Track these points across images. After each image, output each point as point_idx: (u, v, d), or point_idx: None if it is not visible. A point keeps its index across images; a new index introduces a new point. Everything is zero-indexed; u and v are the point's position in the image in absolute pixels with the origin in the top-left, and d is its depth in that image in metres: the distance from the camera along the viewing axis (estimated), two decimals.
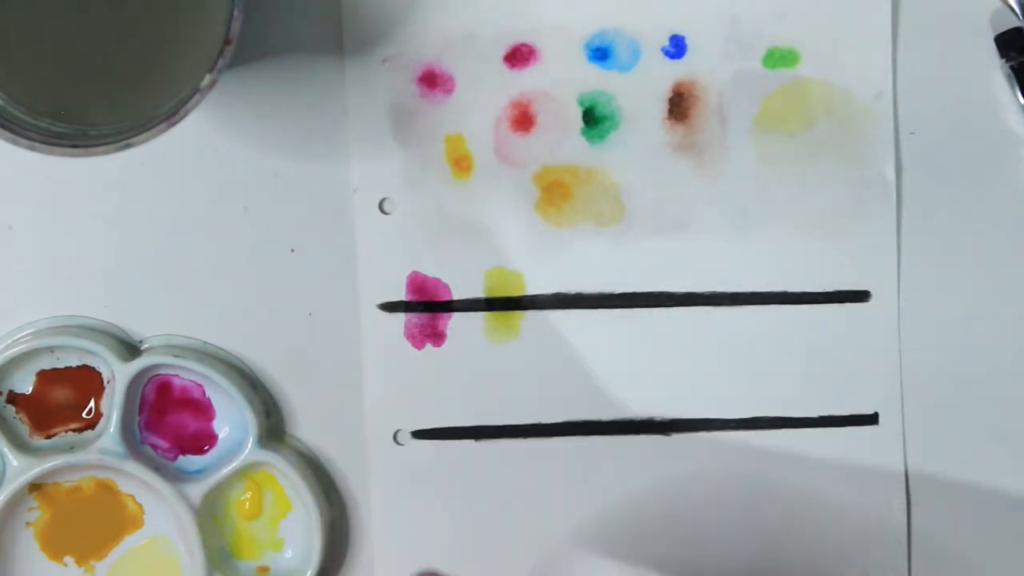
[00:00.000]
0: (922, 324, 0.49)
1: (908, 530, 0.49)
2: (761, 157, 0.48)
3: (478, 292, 0.49)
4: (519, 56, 0.48)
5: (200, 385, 0.48)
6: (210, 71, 0.40)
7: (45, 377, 0.48)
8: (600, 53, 0.48)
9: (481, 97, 0.48)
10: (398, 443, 0.49)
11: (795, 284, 0.49)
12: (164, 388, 0.48)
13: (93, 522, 0.49)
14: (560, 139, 0.48)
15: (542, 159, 0.48)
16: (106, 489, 0.49)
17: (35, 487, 0.48)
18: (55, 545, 0.49)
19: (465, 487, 0.49)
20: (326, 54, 0.48)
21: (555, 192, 0.48)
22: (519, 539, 0.49)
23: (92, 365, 0.48)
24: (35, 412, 0.48)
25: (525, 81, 0.48)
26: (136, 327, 0.49)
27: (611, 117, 0.48)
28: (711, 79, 0.48)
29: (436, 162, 0.48)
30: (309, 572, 0.48)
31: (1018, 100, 0.48)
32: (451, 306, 0.49)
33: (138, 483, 0.48)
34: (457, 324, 0.49)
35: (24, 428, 0.48)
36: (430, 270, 0.48)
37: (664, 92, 0.48)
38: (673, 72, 0.48)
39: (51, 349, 0.48)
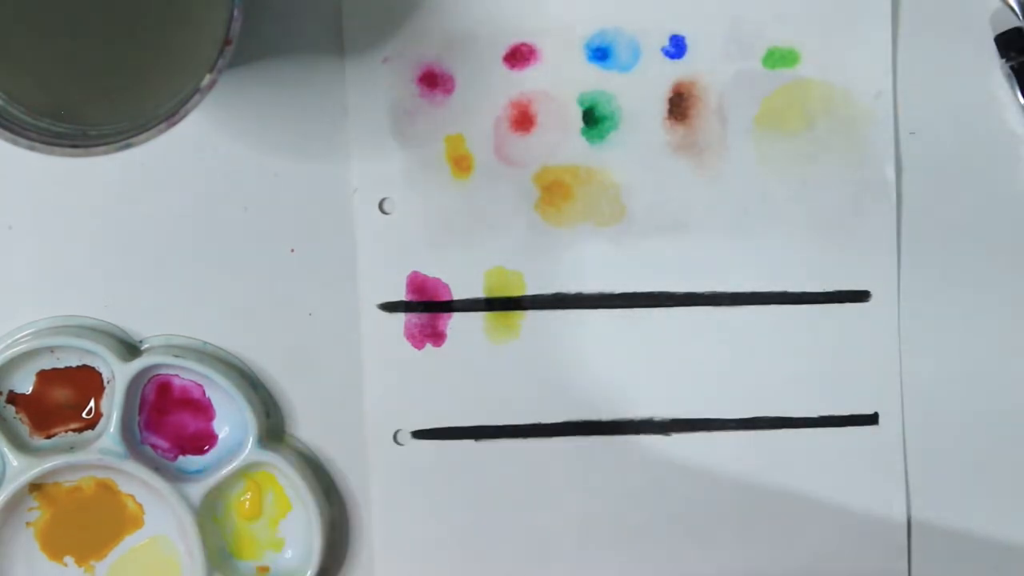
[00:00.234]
0: (922, 324, 0.49)
1: (908, 530, 0.49)
2: (761, 157, 0.48)
3: (478, 292, 0.49)
4: (519, 56, 0.48)
5: (200, 385, 0.48)
6: (210, 71, 0.40)
7: (45, 377, 0.48)
8: (600, 53, 0.48)
9: (481, 97, 0.48)
10: (398, 443, 0.49)
11: (795, 284, 0.49)
12: (164, 388, 0.48)
13: (93, 522, 0.49)
14: (560, 139, 0.48)
15: (542, 159, 0.48)
16: (106, 489, 0.49)
17: (35, 487, 0.48)
18: (55, 545, 0.49)
19: (465, 487, 0.49)
20: (326, 54, 0.48)
21: (555, 192, 0.48)
22: (519, 539, 0.49)
23: (92, 365, 0.48)
24: (35, 412, 0.48)
25: (525, 81, 0.48)
26: (136, 327, 0.49)
27: (611, 117, 0.48)
28: (711, 79, 0.48)
29: (436, 162, 0.48)
30: (309, 572, 0.48)
31: (1018, 100, 0.48)
32: (451, 306, 0.48)
33: (138, 483, 0.48)
34: (457, 324, 0.49)
35: (24, 428, 0.48)
36: (430, 270, 0.48)
37: (664, 92, 0.48)
38: (673, 72, 0.48)
39: (51, 349, 0.48)
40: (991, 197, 0.49)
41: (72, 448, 0.48)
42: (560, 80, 0.48)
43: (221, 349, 0.49)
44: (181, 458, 0.49)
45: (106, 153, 0.40)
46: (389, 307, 0.48)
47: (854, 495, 0.49)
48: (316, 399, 0.49)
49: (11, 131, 0.39)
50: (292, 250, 0.48)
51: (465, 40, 0.48)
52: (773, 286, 0.49)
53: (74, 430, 0.49)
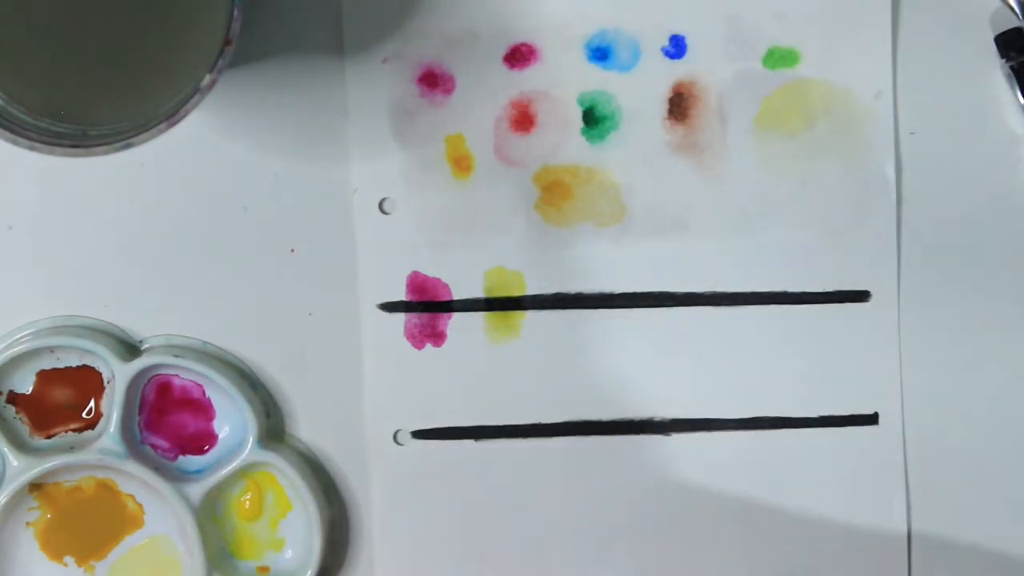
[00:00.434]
0: (922, 324, 0.49)
1: (908, 530, 0.49)
2: (761, 157, 0.48)
3: (478, 292, 0.49)
4: (519, 56, 0.48)
5: (200, 385, 0.48)
6: (210, 71, 0.40)
7: (45, 377, 0.48)
8: (600, 53, 0.48)
9: (481, 97, 0.48)
10: (398, 443, 0.49)
11: (795, 284, 0.49)
12: (164, 388, 0.48)
13: (93, 522, 0.49)
14: (560, 139, 0.48)
15: (542, 159, 0.48)
16: (106, 489, 0.49)
17: (35, 487, 0.48)
18: (55, 545, 0.49)
19: (465, 487, 0.49)
20: (326, 54, 0.48)
21: (555, 192, 0.48)
22: (519, 539, 0.49)
23: (92, 365, 0.48)
24: (35, 412, 0.48)
25: (525, 81, 0.48)
26: (136, 327, 0.49)
27: (611, 117, 0.48)
28: (711, 79, 0.48)
29: (436, 162, 0.48)
30: (309, 572, 0.48)
31: (1018, 100, 0.48)
32: (451, 306, 0.48)
33: (138, 483, 0.48)
34: (457, 324, 0.49)
35: (24, 428, 0.48)
36: (430, 270, 0.48)
37: (664, 92, 0.48)
38: (673, 72, 0.48)
39: (51, 349, 0.48)
40: (991, 197, 0.49)
41: (72, 448, 0.48)
42: (560, 80, 0.48)
43: (221, 349, 0.49)
44: (181, 458, 0.49)
45: (106, 153, 0.40)
46: (389, 307, 0.48)
47: (854, 495, 0.49)
48: (316, 399, 0.49)
49: (11, 131, 0.39)
50: (292, 250, 0.48)
51: (465, 40, 0.48)
52: (773, 286, 0.49)
53: (74, 430, 0.49)
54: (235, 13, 0.40)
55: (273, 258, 0.48)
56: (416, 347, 0.49)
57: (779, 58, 0.48)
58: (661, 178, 0.48)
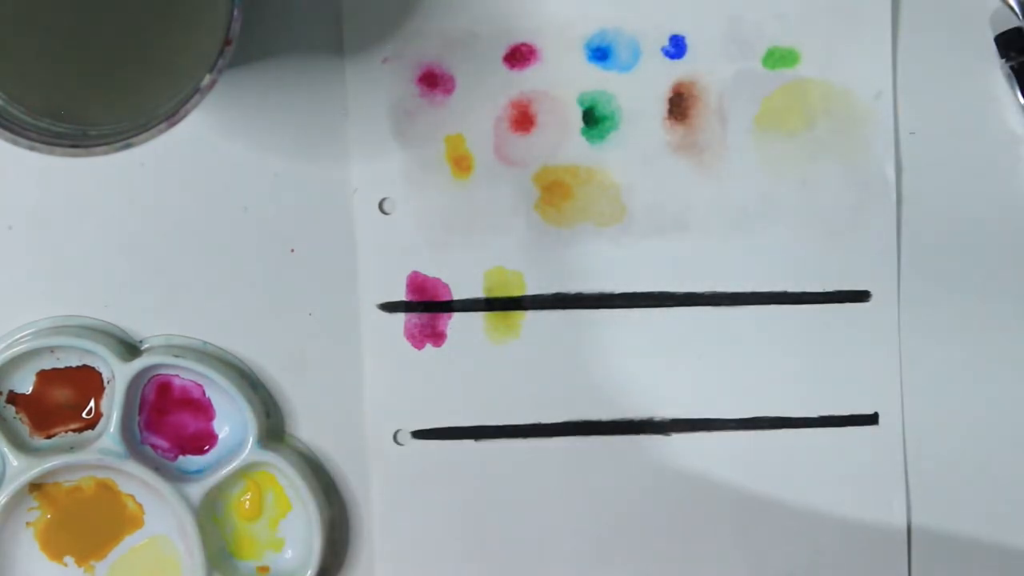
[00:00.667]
0: (922, 324, 0.49)
1: (908, 530, 0.49)
2: (761, 157, 0.48)
3: (478, 292, 0.49)
4: (519, 56, 0.48)
5: (200, 385, 0.48)
6: (210, 71, 0.40)
7: (45, 377, 0.48)
8: (600, 53, 0.48)
9: (481, 97, 0.48)
10: (398, 443, 0.49)
11: (795, 284, 0.49)
12: (164, 388, 0.48)
13: (93, 522, 0.49)
14: (560, 139, 0.48)
15: (542, 159, 0.48)
16: (106, 489, 0.49)
17: (35, 487, 0.48)
18: (55, 545, 0.49)
19: (465, 487, 0.49)
20: (326, 54, 0.48)
21: (555, 192, 0.48)
22: (519, 539, 0.49)
23: (92, 365, 0.48)
24: (35, 412, 0.48)
25: (525, 81, 0.48)
26: (136, 327, 0.49)
27: (611, 117, 0.48)
28: (711, 79, 0.48)
29: (436, 162, 0.48)
30: (309, 572, 0.48)
31: (1018, 100, 0.48)
32: (451, 306, 0.48)
33: (138, 483, 0.48)
34: (457, 324, 0.49)
35: (24, 428, 0.48)
36: (430, 270, 0.48)
37: (664, 92, 0.48)
38: (673, 72, 0.48)
39: (51, 349, 0.48)
40: (991, 197, 0.49)
41: (72, 448, 0.48)
42: (560, 80, 0.48)
43: (221, 349, 0.49)
44: (181, 458, 0.49)
45: (106, 153, 0.40)
46: (389, 307, 0.48)
47: (854, 495, 0.49)
48: (316, 399, 0.49)
49: (11, 131, 0.39)
50: (292, 250, 0.48)
51: (465, 40, 0.48)
52: (773, 286, 0.49)
53: (74, 430, 0.49)
54: (235, 13, 0.40)
55: (273, 258, 0.48)
56: (416, 347, 0.49)
57: (779, 58, 0.48)
58: (661, 178, 0.48)
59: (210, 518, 0.49)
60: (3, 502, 0.47)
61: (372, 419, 0.49)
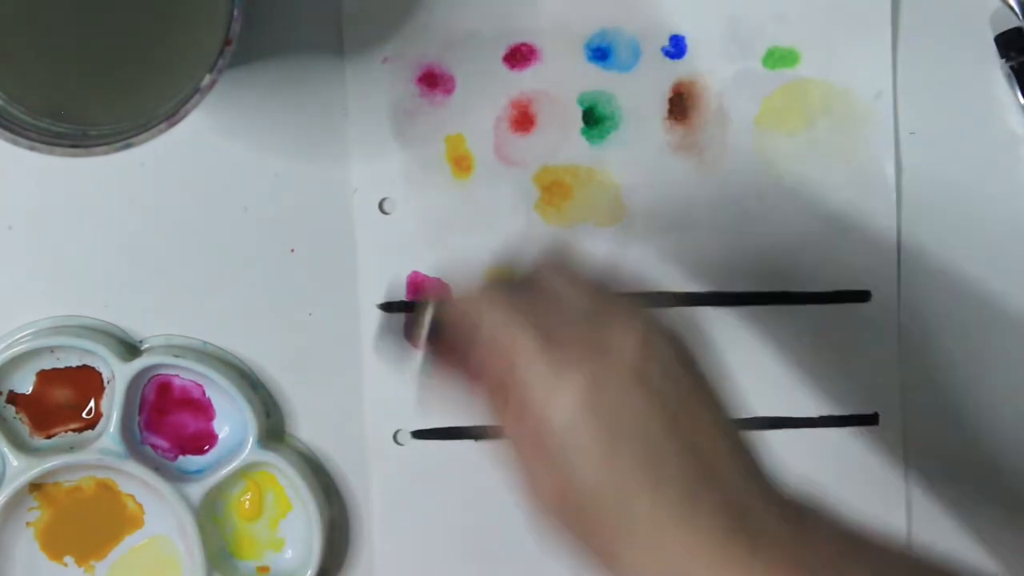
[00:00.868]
0: (922, 324, 0.49)
1: (908, 530, 0.49)
2: (761, 157, 0.48)
3: None
4: (519, 56, 0.48)
5: (200, 385, 0.48)
6: (210, 71, 0.40)
7: (45, 377, 0.48)
8: (600, 53, 0.48)
9: (481, 97, 0.48)
10: (398, 443, 0.49)
11: (795, 284, 0.49)
12: (164, 388, 0.48)
13: (93, 522, 0.49)
14: (560, 139, 0.48)
15: (542, 159, 0.48)
16: (106, 489, 0.49)
17: (35, 487, 0.48)
18: (55, 545, 0.49)
19: (465, 487, 0.49)
20: (326, 54, 0.48)
21: (555, 192, 0.48)
22: (519, 539, 0.49)
23: (92, 365, 0.48)
24: (35, 412, 0.48)
25: (525, 81, 0.48)
26: (136, 327, 0.49)
27: (611, 117, 0.48)
28: (711, 79, 0.48)
29: (436, 162, 0.48)
30: (309, 572, 0.48)
31: (1018, 100, 0.48)
32: None
33: (138, 483, 0.48)
34: None
35: (24, 428, 0.48)
36: (430, 270, 0.48)
37: (664, 92, 0.48)
38: (673, 72, 0.48)
39: (51, 349, 0.48)
40: (991, 197, 0.49)
41: (72, 448, 0.48)
42: (560, 80, 0.48)
43: (221, 349, 0.49)
44: (181, 458, 0.49)
45: (106, 153, 0.40)
46: (389, 307, 0.48)
47: (854, 495, 0.49)
48: (316, 399, 0.49)
49: (11, 131, 0.39)
50: (292, 250, 0.48)
51: (465, 40, 0.48)
52: (773, 286, 0.49)
53: (74, 430, 0.49)
54: (235, 13, 0.40)
55: (273, 258, 0.48)
56: (416, 347, 0.49)
57: (779, 58, 0.48)
58: (661, 178, 0.48)
59: (210, 518, 0.49)
60: (3, 502, 0.47)
61: (372, 419, 0.49)
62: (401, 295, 0.48)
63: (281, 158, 0.48)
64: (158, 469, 0.48)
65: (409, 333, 0.40)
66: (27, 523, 0.49)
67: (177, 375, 0.48)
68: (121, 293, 0.48)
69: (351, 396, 0.49)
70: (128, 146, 0.40)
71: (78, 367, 0.48)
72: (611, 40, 0.48)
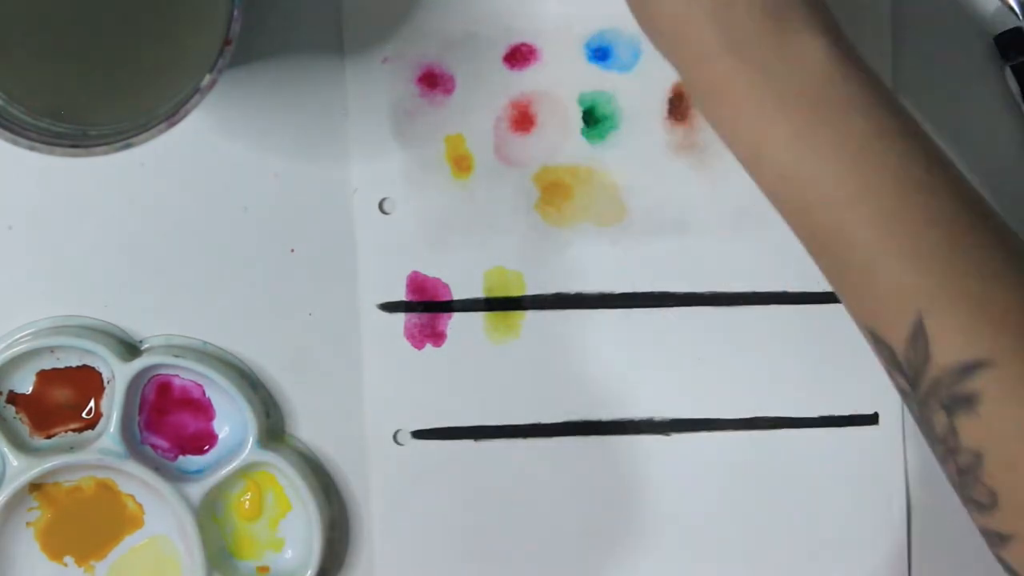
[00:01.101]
0: None
1: (908, 530, 0.49)
2: None
3: (478, 292, 0.49)
4: (519, 56, 0.48)
5: (200, 385, 0.48)
6: (210, 71, 0.40)
7: (45, 377, 0.48)
8: (600, 53, 0.48)
9: (481, 97, 0.48)
10: (398, 443, 0.49)
11: (795, 284, 0.49)
12: (164, 388, 0.48)
13: (93, 522, 0.49)
14: (560, 139, 0.48)
15: (542, 159, 0.48)
16: (106, 489, 0.49)
17: (35, 487, 0.48)
18: (55, 545, 0.49)
19: (465, 487, 0.49)
20: (326, 54, 0.48)
21: (555, 192, 0.48)
22: (519, 539, 0.49)
23: (92, 365, 0.48)
24: (35, 412, 0.48)
25: (525, 81, 0.48)
26: (136, 327, 0.49)
27: (611, 117, 0.48)
28: None
29: (436, 162, 0.48)
30: (309, 572, 0.48)
31: (1018, 100, 0.48)
32: (451, 306, 0.48)
33: (138, 483, 0.48)
34: (457, 324, 0.49)
35: (24, 428, 0.48)
36: (430, 270, 0.48)
37: (664, 92, 0.48)
38: (673, 72, 0.48)
39: (51, 349, 0.48)
40: (991, 197, 0.48)
41: (72, 448, 0.48)
42: (560, 80, 0.48)
43: (221, 349, 0.49)
44: (181, 458, 0.49)
45: (106, 153, 0.40)
46: (389, 307, 0.48)
47: (854, 495, 0.49)
48: (316, 399, 0.49)
49: (11, 131, 0.39)
50: (292, 250, 0.48)
51: (465, 40, 0.48)
52: (773, 286, 0.49)
53: (74, 430, 0.49)
54: (235, 13, 0.40)
55: (273, 258, 0.48)
56: (416, 347, 0.49)
57: None
58: (661, 178, 0.48)
59: (210, 518, 0.49)
60: (3, 502, 0.47)
61: (372, 419, 0.49)
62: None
63: (281, 158, 0.48)
64: (158, 469, 0.48)
65: None
66: (27, 523, 0.49)
67: (177, 375, 0.48)
68: (121, 293, 0.48)
69: (351, 396, 0.49)
70: (128, 146, 0.40)
71: (78, 367, 0.48)
72: (611, 40, 0.48)
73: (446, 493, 0.49)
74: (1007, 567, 0.39)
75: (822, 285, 0.49)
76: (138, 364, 0.47)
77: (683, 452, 0.49)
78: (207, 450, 0.49)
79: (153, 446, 0.49)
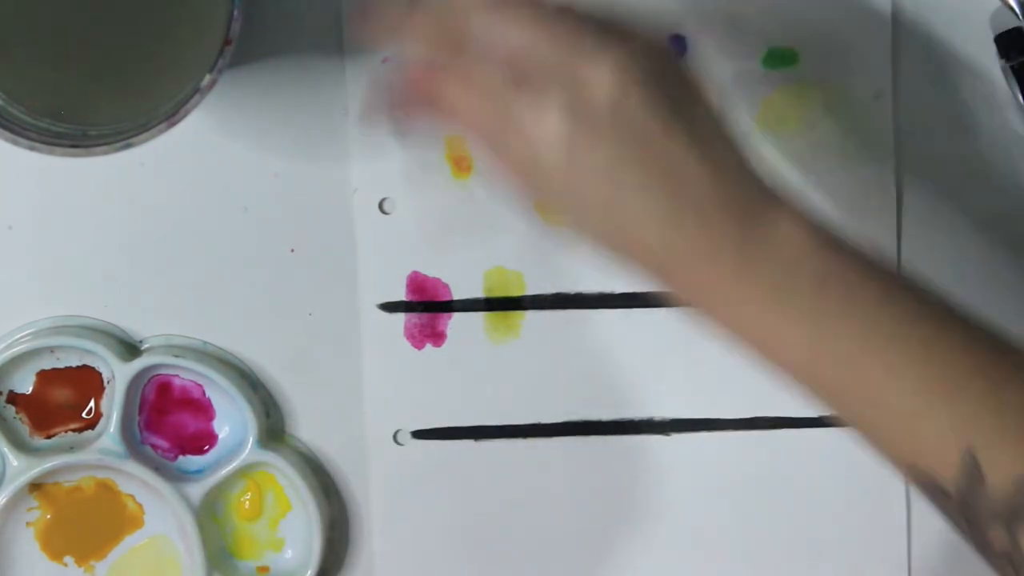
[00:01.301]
0: None
1: (908, 528, 0.49)
2: (761, 157, 0.48)
3: (478, 292, 0.49)
4: None
5: (200, 385, 0.48)
6: (210, 71, 0.40)
7: (45, 377, 0.48)
8: None
9: None
10: (398, 443, 0.49)
11: None
12: (164, 388, 0.48)
13: (93, 522, 0.49)
14: None
15: None
16: (106, 489, 0.49)
17: (35, 487, 0.48)
18: (55, 545, 0.49)
19: (465, 487, 0.49)
20: (326, 54, 0.48)
21: None
22: (519, 539, 0.49)
23: (92, 365, 0.48)
24: (35, 412, 0.48)
25: None
26: (136, 327, 0.49)
27: None
28: (711, 79, 0.48)
29: (436, 162, 0.48)
30: (309, 572, 0.48)
31: (1018, 100, 0.48)
32: (451, 306, 0.48)
33: (138, 483, 0.48)
34: (457, 324, 0.49)
35: (24, 428, 0.48)
36: (430, 270, 0.48)
37: None
38: None
39: (51, 349, 0.48)
40: (991, 197, 0.49)
41: (72, 448, 0.48)
42: None
43: (221, 349, 0.49)
44: (181, 458, 0.49)
45: (106, 153, 0.40)
46: (389, 307, 0.48)
47: (854, 495, 0.49)
48: (316, 399, 0.49)
49: (11, 131, 0.39)
50: (292, 250, 0.48)
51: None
52: None
53: (74, 430, 0.49)
54: (235, 13, 0.40)
55: (273, 258, 0.48)
56: (416, 347, 0.49)
57: (778, 58, 0.48)
58: None
59: (210, 518, 0.49)
60: (3, 502, 0.47)
61: (372, 419, 0.49)
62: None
63: (281, 158, 0.48)
64: (158, 469, 0.48)
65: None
66: (27, 523, 0.49)
67: (177, 375, 0.48)
68: (121, 293, 0.48)
69: (351, 396, 0.49)
70: (128, 146, 0.40)
71: (78, 367, 0.48)
72: None
73: (446, 493, 0.49)
74: None
75: None
76: (138, 364, 0.47)
77: (683, 452, 0.49)
78: (207, 450, 0.49)
79: (153, 446, 0.49)
